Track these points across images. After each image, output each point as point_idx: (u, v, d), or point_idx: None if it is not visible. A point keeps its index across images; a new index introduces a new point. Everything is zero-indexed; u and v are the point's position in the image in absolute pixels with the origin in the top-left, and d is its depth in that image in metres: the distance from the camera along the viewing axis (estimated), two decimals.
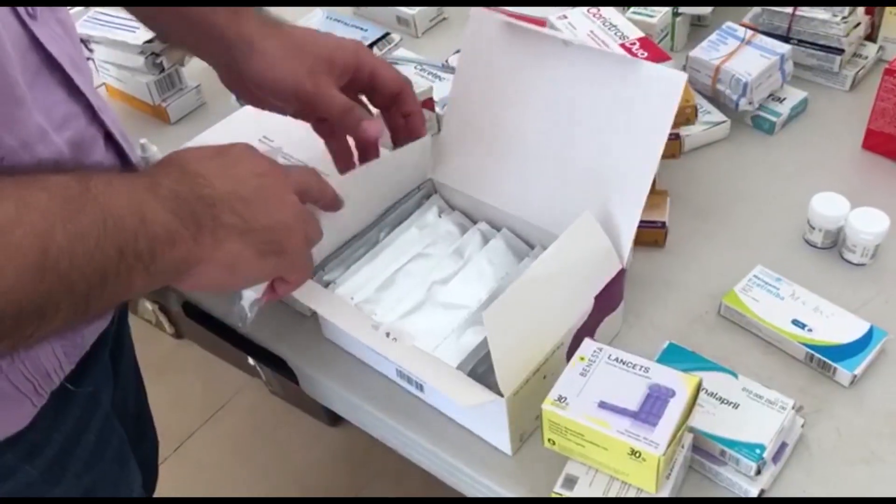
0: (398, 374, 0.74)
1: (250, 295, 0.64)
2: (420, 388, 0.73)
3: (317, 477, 1.63)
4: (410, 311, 0.73)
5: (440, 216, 0.82)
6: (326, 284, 0.75)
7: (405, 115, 0.76)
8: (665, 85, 0.68)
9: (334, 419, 1.66)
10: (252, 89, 0.72)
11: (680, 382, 0.62)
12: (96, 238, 0.48)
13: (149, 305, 1.86)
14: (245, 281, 0.61)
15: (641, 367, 0.63)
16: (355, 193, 0.75)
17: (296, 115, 0.77)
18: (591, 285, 0.70)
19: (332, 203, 0.67)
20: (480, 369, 0.66)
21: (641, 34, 0.90)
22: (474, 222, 0.81)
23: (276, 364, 0.82)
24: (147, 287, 0.52)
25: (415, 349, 0.68)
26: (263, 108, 0.76)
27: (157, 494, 1.22)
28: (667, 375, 0.62)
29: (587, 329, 0.70)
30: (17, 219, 0.45)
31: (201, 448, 1.71)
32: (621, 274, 0.72)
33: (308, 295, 0.71)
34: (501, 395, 0.63)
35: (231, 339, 0.85)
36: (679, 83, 0.67)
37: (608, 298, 0.72)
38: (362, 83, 0.74)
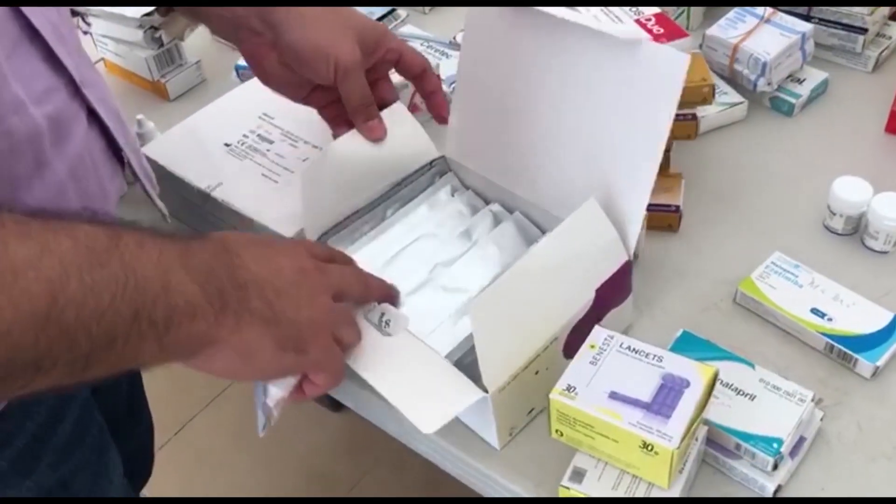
0: None
1: (276, 393, 0.61)
2: None
3: (318, 462, 1.61)
4: (411, 291, 0.70)
5: (453, 195, 0.79)
6: None
7: (425, 95, 0.77)
8: (668, 66, 0.63)
9: (336, 405, 1.64)
10: (282, 57, 0.71)
11: (695, 372, 0.59)
12: (112, 295, 0.45)
13: None
14: (260, 372, 0.58)
15: (654, 356, 0.60)
16: (352, 167, 0.72)
17: (305, 100, 0.76)
18: (593, 277, 0.67)
19: (386, 298, 0.65)
20: (468, 360, 0.63)
21: (657, 9, 0.86)
22: (487, 203, 0.78)
23: None
24: (154, 360, 0.49)
25: (396, 344, 0.64)
26: (277, 87, 0.75)
27: (156, 479, 1.20)
28: (681, 365, 0.60)
29: (588, 323, 0.67)
30: (34, 261, 0.43)
31: (202, 432, 1.69)
32: (627, 265, 0.69)
33: None
34: (486, 391, 0.61)
35: None
36: (682, 64, 0.62)
37: (613, 291, 0.69)
38: (388, 64, 0.75)
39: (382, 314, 0.65)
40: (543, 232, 0.75)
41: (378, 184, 0.77)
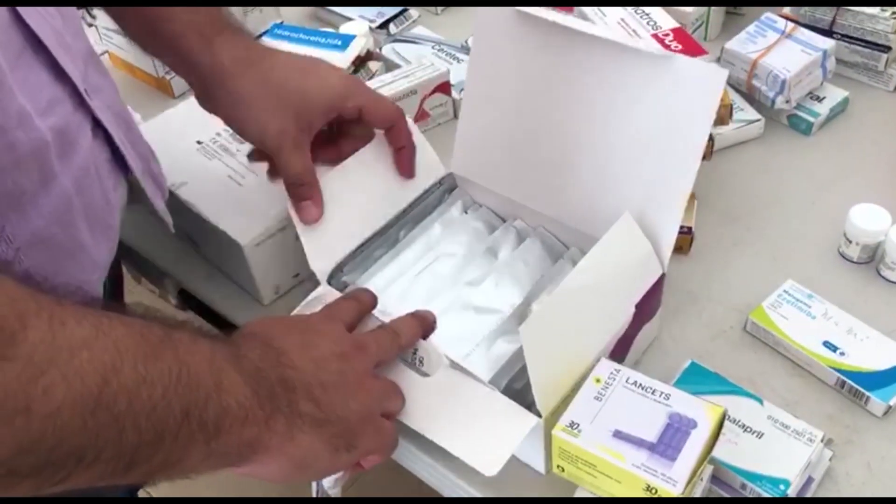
0: None
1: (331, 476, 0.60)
2: None
3: None
4: (438, 315, 0.67)
5: (466, 212, 0.77)
6: (344, 287, 0.70)
7: (393, 149, 0.74)
8: (704, 82, 0.62)
9: None
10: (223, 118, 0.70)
11: (703, 413, 0.57)
12: (164, 389, 0.43)
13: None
14: (316, 476, 0.57)
15: (662, 393, 0.59)
16: (364, 191, 0.71)
17: None
18: (632, 292, 0.65)
19: (422, 335, 0.63)
20: (517, 385, 0.62)
21: (675, 24, 0.84)
22: (502, 220, 0.76)
23: None
24: (201, 466, 0.47)
25: (439, 380, 0.62)
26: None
27: None
28: (689, 404, 0.58)
29: (627, 339, 0.66)
30: (90, 342, 0.41)
31: None
32: (662, 279, 0.67)
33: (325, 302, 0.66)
34: (539, 416, 0.59)
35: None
36: (720, 80, 0.61)
37: (648, 305, 0.67)
38: (350, 119, 0.71)
39: (415, 351, 0.63)
40: (567, 247, 0.73)
41: (387, 208, 0.74)
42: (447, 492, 0.68)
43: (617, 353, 0.66)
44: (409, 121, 0.74)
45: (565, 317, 0.60)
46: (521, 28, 0.69)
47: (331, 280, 0.70)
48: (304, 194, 0.68)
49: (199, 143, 0.82)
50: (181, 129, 0.83)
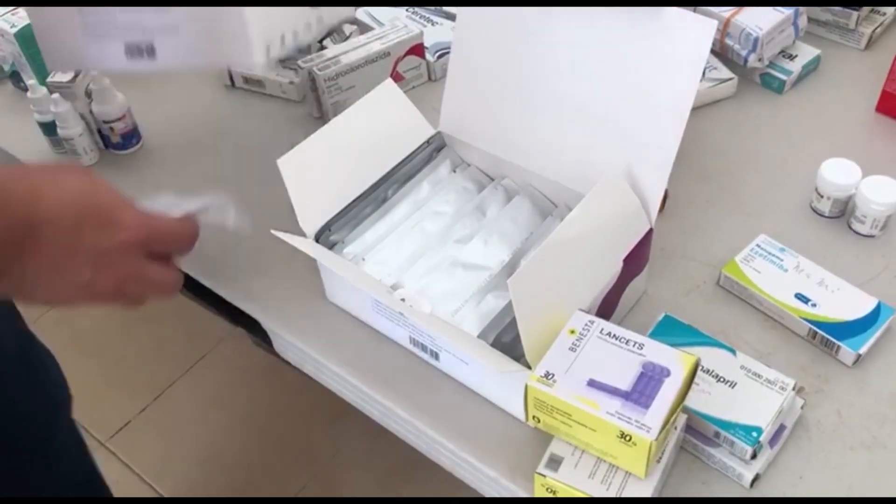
0: (411, 342, 0.69)
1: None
2: (436, 356, 0.68)
3: (297, 430, 1.61)
4: (427, 271, 0.68)
5: (454, 171, 0.77)
6: (332, 245, 0.70)
7: None
8: (692, 34, 0.62)
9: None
10: None
11: (676, 361, 0.58)
12: None
13: None
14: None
15: (635, 343, 0.59)
16: (342, 155, 0.70)
17: None
18: (620, 247, 0.66)
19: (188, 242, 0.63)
20: (506, 338, 0.63)
21: None
22: (491, 178, 0.76)
23: (248, 325, 0.78)
24: None
25: (433, 318, 0.64)
26: None
27: (134, 445, 1.17)
28: (662, 353, 0.58)
29: (615, 293, 0.67)
30: None
31: (181, 398, 1.67)
32: (649, 234, 0.68)
33: (314, 255, 0.66)
34: (530, 368, 0.59)
35: (203, 298, 0.81)
36: (709, 31, 0.61)
37: (636, 260, 0.68)
38: None
39: (403, 300, 0.64)
40: (555, 205, 0.73)
41: (375, 168, 0.74)
42: (424, 448, 0.69)
43: (605, 309, 0.66)
44: (394, 84, 0.74)
45: (553, 270, 0.61)
46: None
47: (319, 238, 0.70)
48: None
49: None
50: None
